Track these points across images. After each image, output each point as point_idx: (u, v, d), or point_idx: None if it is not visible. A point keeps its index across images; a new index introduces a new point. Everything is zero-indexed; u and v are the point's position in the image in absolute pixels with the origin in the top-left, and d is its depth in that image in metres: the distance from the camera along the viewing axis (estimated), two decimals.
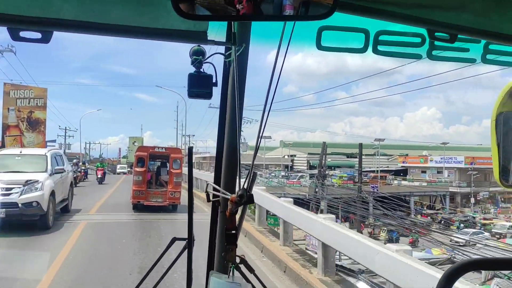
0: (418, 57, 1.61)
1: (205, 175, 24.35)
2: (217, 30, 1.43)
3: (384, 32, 1.55)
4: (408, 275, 5.00)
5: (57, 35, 1.27)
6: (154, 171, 17.81)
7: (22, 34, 1.19)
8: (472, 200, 50.75)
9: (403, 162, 62.41)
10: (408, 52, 1.60)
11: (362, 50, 1.57)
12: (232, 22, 1.40)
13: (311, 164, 62.78)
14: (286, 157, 67.17)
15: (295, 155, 68.63)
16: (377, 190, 44.50)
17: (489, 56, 1.59)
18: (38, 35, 1.21)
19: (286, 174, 54.18)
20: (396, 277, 5.30)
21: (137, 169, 16.04)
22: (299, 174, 51.37)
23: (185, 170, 18.94)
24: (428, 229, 32.49)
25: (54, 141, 52.42)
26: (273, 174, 51.25)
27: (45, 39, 1.22)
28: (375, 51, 1.56)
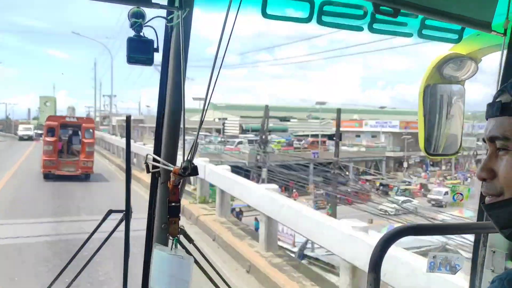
0: (359, 29, 1.63)
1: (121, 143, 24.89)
2: None
3: (328, 3, 1.54)
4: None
5: None
6: (66, 140, 17.66)
7: None
8: (405, 164, 50.20)
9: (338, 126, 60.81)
10: (350, 24, 1.61)
11: (307, 20, 1.56)
12: None
13: (244, 128, 60.35)
14: (216, 120, 62.84)
15: (226, 119, 64.32)
16: (318, 157, 41.94)
17: (425, 31, 1.65)
18: None
19: (223, 139, 49.90)
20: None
21: (48, 139, 16.14)
22: (237, 140, 47.14)
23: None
24: (368, 196, 31.24)
25: None
26: (207, 140, 47.06)
27: None
28: (319, 21, 1.56)
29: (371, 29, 1.61)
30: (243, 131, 59.31)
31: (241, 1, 1.26)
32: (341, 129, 57.04)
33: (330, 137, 55.08)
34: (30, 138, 49.33)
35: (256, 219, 18.07)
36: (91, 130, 17.04)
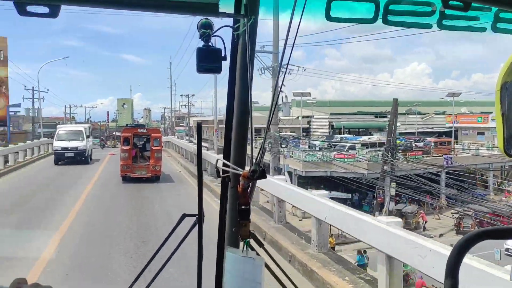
0: (428, 27, 1.58)
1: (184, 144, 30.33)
2: (226, 2, 1.39)
3: (394, 1, 1.52)
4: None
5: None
6: (139, 148, 20.93)
7: (29, 8, 1.15)
8: None
9: (454, 122, 46.82)
10: (418, 22, 1.57)
11: (372, 21, 1.54)
12: None
13: (334, 127, 53.82)
14: (300, 118, 53.44)
15: (312, 116, 55.18)
16: (451, 162, 33.08)
17: (499, 25, 1.57)
18: (45, 9, 1.17)
19: (326, 143, 38.81)
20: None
21: (124, 147, 19.37)
22: (347, 145, 37.18)
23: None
24: None
25: (18, 105, 44.19)
26: (296, 144, 36.66)
27: (53, 13, 1.17)
28: (385, 21, 1.53)
29: (440, 26, 1.55)
30: (334, 130, 53.56)
31: (304, 6, 1.28)
32: (456, 125, 46.84)
33: (440, 134, 47.08)
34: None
35: (360, 252, 17.06)
36: (158, 139, 20.07)
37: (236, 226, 1.58)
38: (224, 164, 1.61)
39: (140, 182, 18.77)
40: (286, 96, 27.76)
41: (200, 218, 1.70)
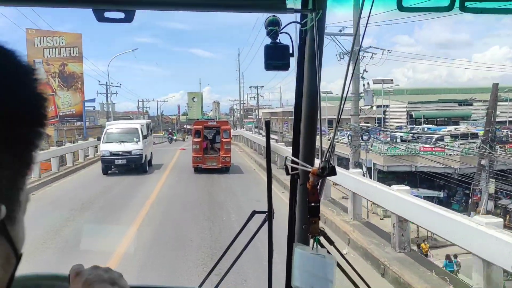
0: (445, 9, 1.44)
1: (254, 137, 29.39)
2: None
3: None
4: None
5: None
6: (209, 140, 21.63)
7: (107, 14, 1.22)
8: None
9: None
10: (500, 8, 1.46)
11: (448, 8, 1.45)
12: None
13: (413, 117, 49.09)
14: (374, 108, 48.74)
15: (387, 106, 49.06)
16: None
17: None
18: (121, 15, 1.23)
19: (410, 134, 34.97)
20: None
21: (195, 140, 19.85)
22: (434, 136, 32.43)
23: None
24: None
25: (93, 100, 42.64)
26: (379, 136, 33.14)
27: (128, 18, 1.23)
28: (462, 8, 1.44)
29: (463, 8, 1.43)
30: (413, 120, 48.79)
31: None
32: None
33: None
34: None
35: (449, 257, 14.94)
36: (228, 131, 20.31)
37: (306, 223, 1.57)
38: (293, 161, 1.60)
39: (211, 172, 19.25)
40: (368, 83, 23.98)
41: (270, 215, 1.71)
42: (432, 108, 50.59)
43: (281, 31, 1.47)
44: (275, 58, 1.47)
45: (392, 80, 40.14)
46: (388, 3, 1.44)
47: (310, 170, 1.49)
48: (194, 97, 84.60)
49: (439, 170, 26.93)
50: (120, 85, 51.73)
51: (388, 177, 28.70)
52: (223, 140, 19.85)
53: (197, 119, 27.86)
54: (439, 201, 24.70)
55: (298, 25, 1.53)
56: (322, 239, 1.58)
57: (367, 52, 20.31)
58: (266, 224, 1.71)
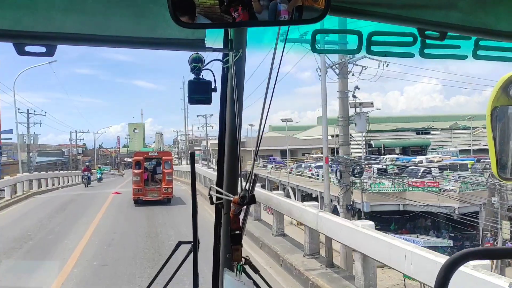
0: (410, 55, 1.64)
1: (202, 171, 26.98)
2: (214, 38, 1.47)
3: (376, 33, 1.59)
4: None
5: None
6: (150, 172, 21.05)
7: (27, 48, 1.24)
8: None
9: None
10: (400, 52, 1.64)
11: (356, 51, 1.62)
12: (229, 29, 1.44)
13: (373, 146, 46.60)
14: (330, 138, 51.05)
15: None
16: None
17: (480, 52, 1.63)
18: (42, 49, 1.26)
19: (391, 165, 30.85)
20: None
21: (136, 171, 19.38)
22: (420, 169, 28.03)
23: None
24: None
25: (10, 131, 35.42)
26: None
27: (49, 52, 1.26)
28: (369, 51, 1.60)
29: (422, 55, 1.62)
30: (372, 149, 46.41)
31: (286, 40, 1.35)
32: None
33: None
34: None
35: None
36: (169, 162, 20.09)
37: (230, 251, 1.62)
38: (217, 191, 1.66)
39: (152, 204, 18.70)
40: (360, 103, 19.42)
41: (195, 245, 1.74)
42: (391, 137, 49.36)
43: (204, 68, 1.56)
44: (198, 92, 1.55)
45: (372, 103, 38.24)
46: (302, 45, 1.58)
47: (231, 199, 1.55)
48: (135, 128, 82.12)
49: (433, 209, 22.52)
50: (45, 113, 44.98)
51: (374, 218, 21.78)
52: (165, 171, 19.56)
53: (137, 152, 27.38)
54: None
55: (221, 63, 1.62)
56: (247, 267, 1.63)
57: (356, 65, 15.13)
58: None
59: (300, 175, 36.11)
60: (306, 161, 44.08)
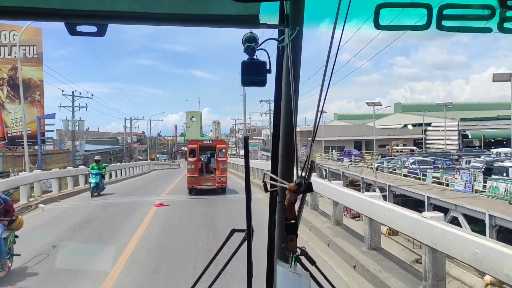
0: (487, 30, 1.47)
1: (260, 164, 25.94)
2: (269, 14, 1.38)
3: (448, 6, 1.43)
4: None
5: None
6: (205, 161, 21.13)
7: (79, 28, 1.22)
8: None
9: None
10: (476, 26, 1.47)
11: (425, 27, 1.47)
12: (285, 3, 1.35)
13: (469, 137, 39.63)
14: (410, 127, 40.24)
15: (429, 124, 40.97)
16: None
17: None
18: (93, 29, 1.24)
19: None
20: None
21: (190, 159, 19.13)
22: None
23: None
24: None
25: (52, 115, 29.78)
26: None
27: (101, 32, 1.23)
28: (439, 27, 1.45)
29: (502, 30, 1.44)
30: (468, 140, 38.93)
31: (347, 14, 1.23)
32: None
33: None
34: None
35: None
36: (223, 150, 19.56)
37: (284, 241, 1.55)
38: (272, 178, 1.59)
39: (206, 194, 18.42)
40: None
41: (249, 233, 1.68)
42: (490, 126, 41.25)
43: (258, 48, 1.47)
44: (252, 74, 1.47)
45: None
46: (364, 20, 1.46)
47: (286, 186, 1.47)
48: (192, 117, 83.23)
49: None
50: (92, 95, 40.28)
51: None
52: (219, 159, 19.23)
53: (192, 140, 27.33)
54: None
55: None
56: (303, 258, 1.55)
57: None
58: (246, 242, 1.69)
59: (394, 173, 30.03)
60: (396, 155, 36.15)
